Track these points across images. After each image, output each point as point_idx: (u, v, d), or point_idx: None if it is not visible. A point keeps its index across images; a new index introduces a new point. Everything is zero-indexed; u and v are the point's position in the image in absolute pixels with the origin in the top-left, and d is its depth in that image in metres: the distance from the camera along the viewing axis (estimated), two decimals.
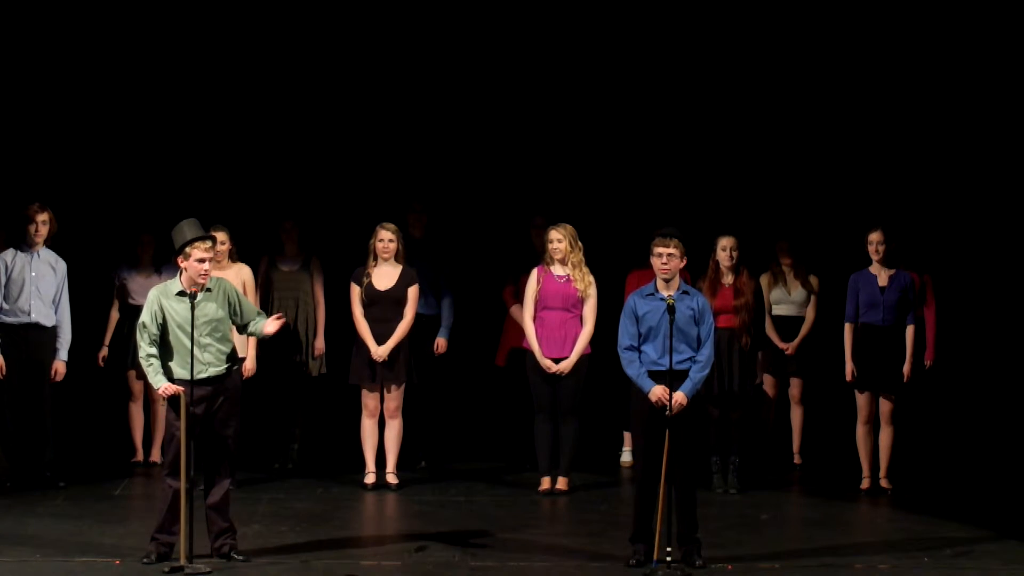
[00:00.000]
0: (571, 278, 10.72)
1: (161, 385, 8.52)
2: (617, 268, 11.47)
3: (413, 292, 10.97)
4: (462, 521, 9.88)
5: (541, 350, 10.71)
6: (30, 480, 10.70)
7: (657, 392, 8.65)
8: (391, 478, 10.97)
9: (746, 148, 13.21)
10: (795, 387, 12.01)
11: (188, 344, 8.53)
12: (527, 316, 10.79)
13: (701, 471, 9.98)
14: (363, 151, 13.22)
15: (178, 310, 8.57)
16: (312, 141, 13.18)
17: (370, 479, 10.95)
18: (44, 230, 10.76)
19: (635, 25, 12.98)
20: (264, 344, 10.98)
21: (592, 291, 10.74)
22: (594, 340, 10.77)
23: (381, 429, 11.01)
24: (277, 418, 11.67)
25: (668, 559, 8.52)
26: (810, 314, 11.92)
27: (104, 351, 11.66)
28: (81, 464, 11.47)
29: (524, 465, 11.52)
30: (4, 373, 10.66)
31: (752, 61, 13.06)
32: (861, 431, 11.04)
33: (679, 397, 8.65)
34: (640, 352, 8.77)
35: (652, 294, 8.82)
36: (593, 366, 10.86)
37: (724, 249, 10.97)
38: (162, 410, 10.57)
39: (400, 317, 10.92)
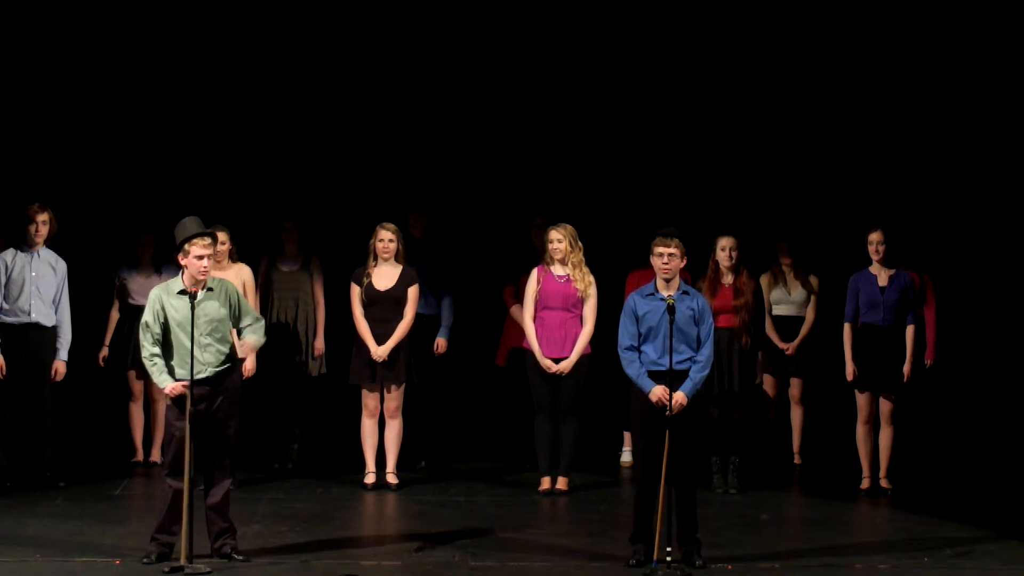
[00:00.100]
0: (571, 278, 10.72)
1: (167, 384, 8.52)
2: (617, 268, 11.47)
3: (413, 292, 10.97)
4: (462, 521, 9.87)
5: (541, 350, 10.71)
6: (30, 480, 10.70)
7: (657, 392, 8.65)
8: (391, 478, 10.97)
9: (746, 148, 13.21)
10: (795, 387, 12.01)
11: (188, 344, 8.53)
12: (527, 316, 10.79)
13: (701, 471, 9.99)
14: (363, 151, 13.22)
15: (179, 309, 8.57)
16: (312, 141, 13.18)
17: (370, 479, 10.95)
18: (44, 230, 10.76)
19: (635, 25, 12.98)
20: (264, 344, 10.98)
21: (592, 291, 10.74)
22: (594, 340, 10.77)
23: (381, 429, 11.01)
24: (277, 418, 11.67)
25: (668, 559, 8.51)
26: (810, 314, 11.92)
27: (104, 351, 11.66)
28: (81, 464, 11.47)
29: (524, 465, 11.52)
30: (4, 373, 10.66)
31: (752, 61, 13.06)
32: (861, 431, 11.04)
33: (679, 397, 8.65)
34: (640, 352, 8.77)
35: (652, 294, 8.82)
36: (593, 366, 10.86)
37: (724, 249, 10.97)
38: (162, 410, 10.57)
39: (400, 317, 10.92)
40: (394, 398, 10.96)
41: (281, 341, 11.49)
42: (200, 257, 8.56)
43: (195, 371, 8.52)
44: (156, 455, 11.46)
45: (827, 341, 11.60)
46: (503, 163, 13.22)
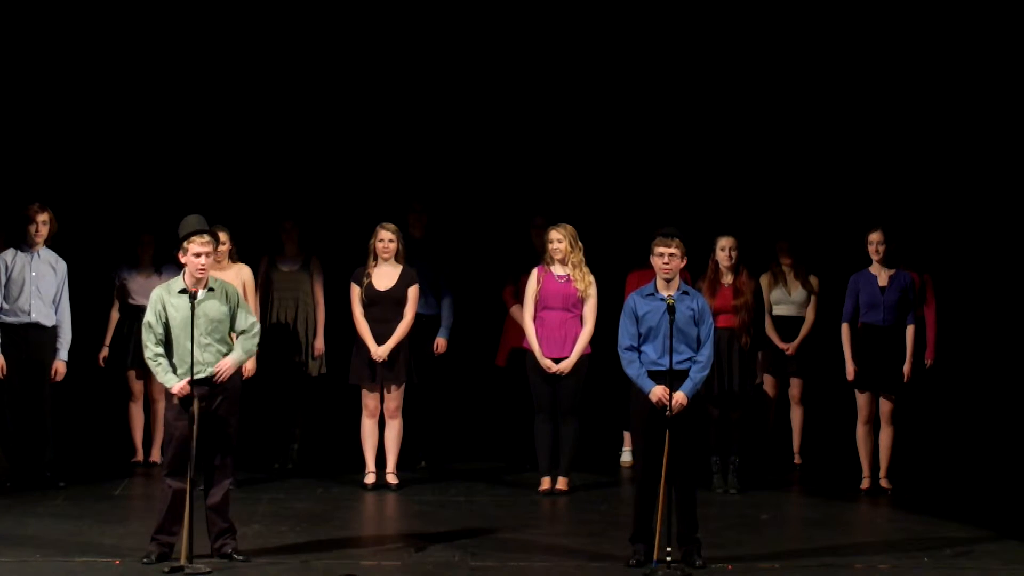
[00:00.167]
0: (571, 278, 10.72)
1: (173, 384, 8.52)
2: (617, 268, 11.47)
3: (413, 292, 10.97)
4: (462, 521, 9.87)
5: (541, 350, 10.71)
6: (30, 480, 10.70)
7: (657, 392, 8.65)
8: (391, 478, 10.97)
9: (746, 148, 13.21)
10: (795, 387, 12.01)
11: (188, 343, 8.53)
12: (527, 316, 10.79)
13: (701, 471, 9.99)
14: (363, 151, 13.22)
15: (180, 308, 8.57)
16: (312, 141, 13.18)
17: (370, 479, 10.95)
18: (44, 230, 10.76)
19: (635, 25, 12.98)
20: (264, 344, 10.98)
21: (592, 291, 10.74)
22: (594, 340, 10.77)
23: (381, 429, 11.01)
24: (277, 418, 11.67)
25: (668, 559, 8.51)
26: (810, 314, 11.92)
27: (105, 351, 11.66)
28: (81, 464, 11.47)
29: (524, 465, 11.52)
30: (4, 373, 10.66)
31: (752, 61, 13.06)
32: (861, 431, 11.04)
33: (679, 397, 8.65)
34: (640, 352, 8.77)
35: (652, 294, 8.82)
36: (593, 366, 10.86)
37: (723, 249, 10.97)
38: (162, 410, 10.56)
39: (400, 317, 10.92)
40: (394, 398, 10.95)
41: (281, 341, 11.49)
42: (198, 255, 8.56)
43: (195, 371, 8.52)
44: (156, 455, 11.45)
45: (827, 341, 11.59)
46: (503, 163, 13.22)
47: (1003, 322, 12.98)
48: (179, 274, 8.76)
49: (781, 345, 11.86)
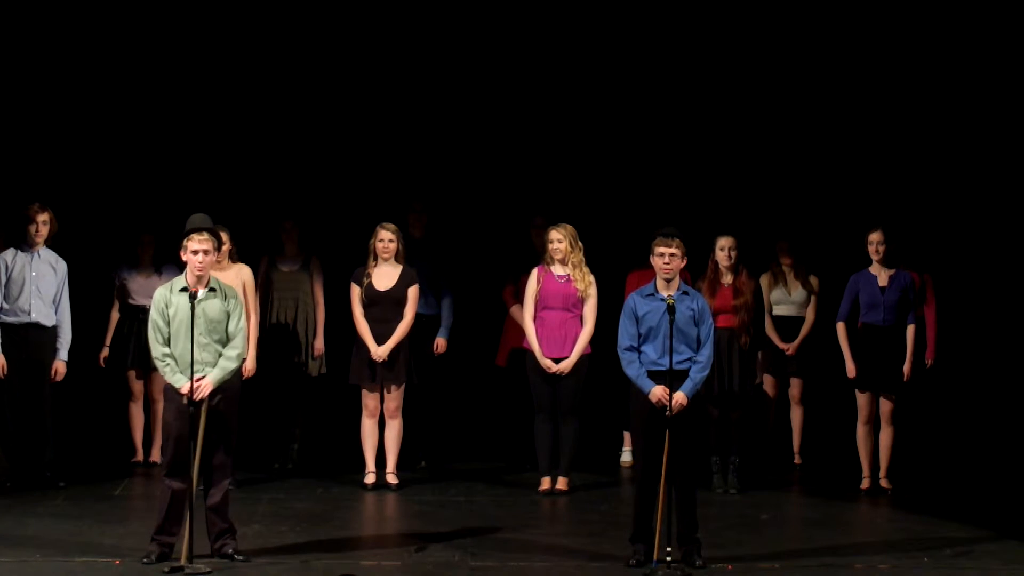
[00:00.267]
0: (571, 278, 10.72)
1: (183, 384, 8.51)
2: (617, 268, 11.47)
3: (413, 292, 10.97)
4: (462, 521, 9.87)
5: (541, 350, 10.71)
6: (30, 480, 10.70)
7: (657, 392, 8.65)
8: (391, 478, 10.97)
9: (746, 148, 13.21)
10: (795, 387, 12.02)
11: (188, 343, 8.52)
12: (527, 316, 10.79)
13: (701, 471, 9.98)
14: (363, 151, 13.22)
15: (181, 307, 8.57)
16: (312, 141, 13.18)
17: (370, 479, 10.95)
18: (44, 230, 10.76)
19: (635, 25, 12.98)
20: (264, 344, 11.01)
21: (592, 291, 10.74)
22: (594, 340, 10.77)
23: (381, 429, 11.01)
24: (277, 418, 11.67)
25: (668, 559, 8.51)
26: (810, 314, 11.92)
27: (105, 351, 11.66)
28: (81, 464, 11.47)
29: (524, 465, 11.52)
30: (4, 373, 10.66)
31: (752, 61, 13.06)
32: (861, 431, 11.04)
33: (679, 397, 8.65)
34: (640, 352, 8.77)
35: (652, 294, 8.82)
36: (593, 366, 10.86)
37: (722, 249, 10.97)
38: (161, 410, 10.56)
39: (400, 317, 10.92)
40: (394, 398, 10.95)
41: (281, 341, 11.49)
42: (196, 252, 8.56)
43: (195, 370, 8.52)
44: (156, 455, 11.45)
45: (827, 341, 11.58)
46: (503, 163, 13.22)
47: (1003, 322, 12.99)
48: (180, 274, 8.77)
49: (781, 345, 11.86)
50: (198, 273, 8.59)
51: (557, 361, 10.69)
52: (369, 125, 13.20)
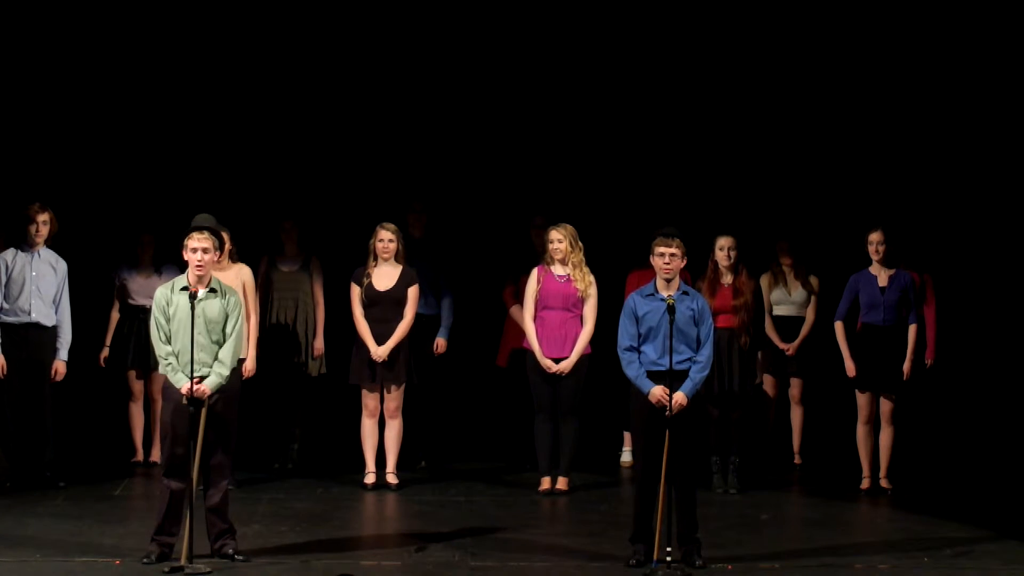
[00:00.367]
0: (571, 278, 10.72)
1: (184, 384, 8.51)
2: (617, 268, 11.47)
3: (413, 292, 10.97)
4: (462, 521, 9.87)
5: (541, 350, 10.71)
6: (30, 480, 10.70)
7: (657, 392, 8.65)
8: (391, 478, 10.97)
9: (746, 148, 13.21)
10: (795, 387, 12.02)
11: (187, 342, 8.52)
12: (527, 316, 10.79)
13: (701, 471, 9.98)
14: (363, 151, 13.22)
15: (181, 306, 8.58)
16: (312, 141, 13.18)
17: (370, 479, 10.95)
18: (44, 230, 10.76)
19: (635, 25, 12.98)
20: (264, 344, 11.00)
21: (592, 291, 10.74)
22: (594, 340, 10.77)
23: (381, 429, 11.01)
24: (277, 418, 11.67)
25: (668, 559, 8.51)
26: (810, 314, 11.92)
27: (105, 351, 11.66)
28: (81, 464, 11.47)
29: (524, 465, 11.52)
30: (4, 373, 10.66)
31: (751, 61, 13.06)
32: (861, 431, 11.04)
33: (679, 397, 8.65)
34: (640, 352, 8.77)
35: (652, 294, 8.82)
36: (593, 366, 10.86)
37: (722, 249, 10.98)
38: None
39: (400, 317, 10.92)
40: (394, 398, 10.95)
41: (281, 341, 11.49)
42: (195, 250, 8.57)
43: (194, 370, 8.51)
44: (156, 455, 11.45)
45: (827, 341, 11.58)
46: (503, 163, 13.22)
47: (1003, 322, 12.98)
48: (180, 274, 8.78)
49: (781, 345, 11.86)
50: (198, 272, 8.59)
51: (557, 361, 10.69)
52: (369, 125, 13.20)
